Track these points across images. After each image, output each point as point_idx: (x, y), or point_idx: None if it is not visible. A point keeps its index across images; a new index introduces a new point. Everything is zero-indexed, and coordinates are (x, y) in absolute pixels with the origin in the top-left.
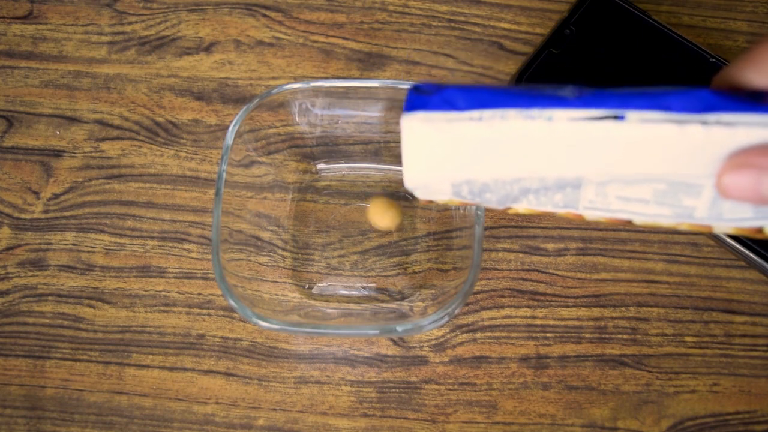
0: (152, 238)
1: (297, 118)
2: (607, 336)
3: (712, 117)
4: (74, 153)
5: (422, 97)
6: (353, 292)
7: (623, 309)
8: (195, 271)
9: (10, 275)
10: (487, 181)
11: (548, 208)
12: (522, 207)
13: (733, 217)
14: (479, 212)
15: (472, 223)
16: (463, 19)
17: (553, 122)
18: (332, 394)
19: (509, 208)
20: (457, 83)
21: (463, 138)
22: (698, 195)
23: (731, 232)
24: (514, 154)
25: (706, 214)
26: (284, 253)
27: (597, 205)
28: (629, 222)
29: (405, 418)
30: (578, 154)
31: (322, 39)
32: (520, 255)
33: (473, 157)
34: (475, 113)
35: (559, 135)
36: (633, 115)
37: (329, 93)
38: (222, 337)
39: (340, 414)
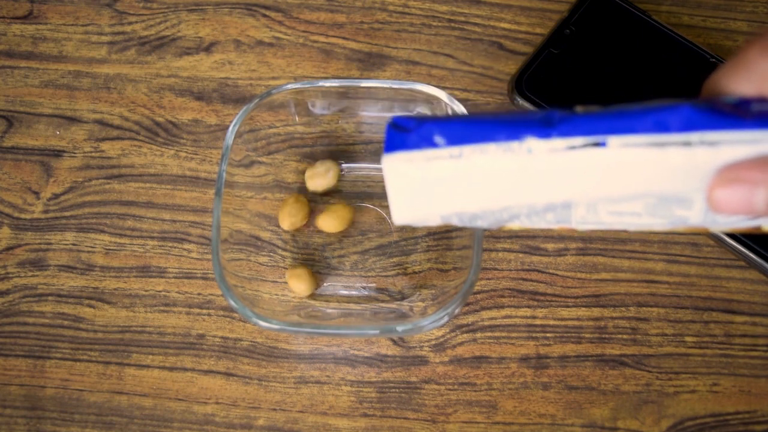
0: (152, 238)
1: (297, 118)
2: (607, 336)
3: (695, 136)
4: (74, 153)
5: (401, 135)
6: (353, 292)
7: (623, 309)
8: (195, 271)
9: (10, 275)
10: (476, 212)
11: (541, 225)
12: (515, 225)
13: (728, 221)
14: None
15: None
16: (463, 19)
17: (534, 154)
18: (332, 394)
19: (503, 227)
20: (434, 116)
21: (445, 175)
22: (690, 206)
23: (729, 231)
24: (498, 187)
25: (700, 220)
26: (284, 253)
27: (589, 220)
28: (624, 231)
29: (405, 418)
30: (563, 181)
31: (322, 39)
32: (520, 255)
33: (457, 192)
34: (454, 150)
35: (542, 166)
36: (614, 141)
37: (329, 93)
38: (222, 337)
39: (340, 414)
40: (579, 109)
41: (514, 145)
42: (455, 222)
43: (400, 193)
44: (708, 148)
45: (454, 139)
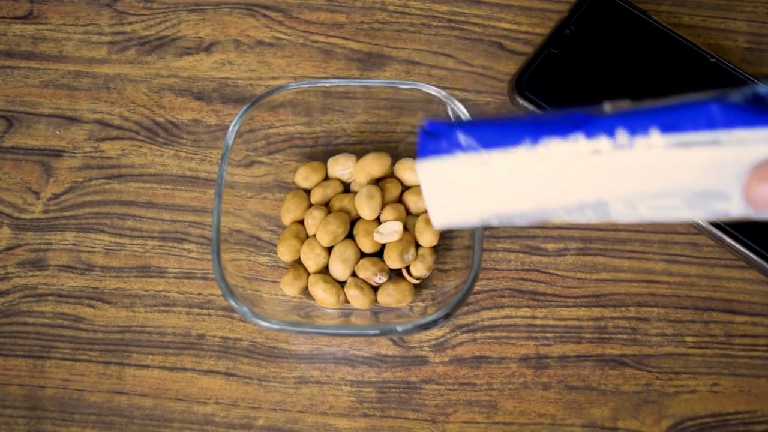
0: (152, 238)
1: (297, 118)
2: (607, 336)
3: (724, 135)
4: (74, 153)
5: (433, 142)
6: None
7: (623, 309)
8: (195, 271)
9: (10, 275)
10: (511, 213)
11: (582, 220)
12: (556, 221)
13: None
14: None
15: None
16: (463, 19)
17: (561, 159)
18: (332, 394)
19: (544, 223)
20: (465, 120)
21: (477, 181)
22: (728, 200)
23: None
24: (530, 190)
25: (742, 211)
26: None
27: (629, 215)
28: (668, 222)
29: (405, 418)
30: (593, 183)
31: (322, 39)
32: (520, 255)
33: (491, 196)
34: (484, 156)
35: (571, 169)
36: (640, 142)
37: (329, 93)
38: (222, 337)
39: (340, 414)
40: (607, 107)
41: (541, 149)
42: (494, 223)
43: (437, 197)
44: (737, 147)
45: (484, 144)
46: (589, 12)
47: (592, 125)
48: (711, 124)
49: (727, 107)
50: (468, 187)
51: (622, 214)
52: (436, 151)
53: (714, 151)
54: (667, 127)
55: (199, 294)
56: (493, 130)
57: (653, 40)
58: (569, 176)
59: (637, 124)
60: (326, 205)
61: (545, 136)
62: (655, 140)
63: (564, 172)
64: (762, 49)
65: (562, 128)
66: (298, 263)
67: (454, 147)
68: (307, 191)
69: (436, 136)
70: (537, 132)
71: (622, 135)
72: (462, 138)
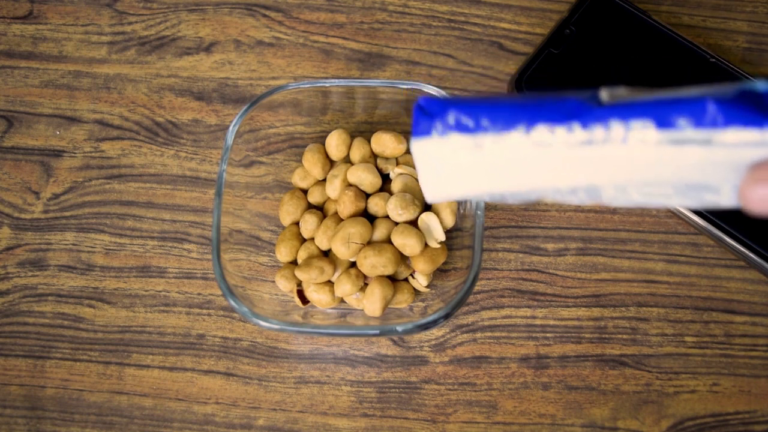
0: (152, 238)
1: (297, 118)
2: (607, 336)
3: (717, 135)
4: (74, 153)
5: (427, 120)
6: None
7: (623, 309)
8: (195, 271)
9: (10, 275)
10: (504, 192)
11: (574, 201)
12: (548, 200)
13: None
14: (479, 212)
15: (472, 223)
16: (463, 19)
17: (556, 146)
18: (332, 394)
19: (536, 202)
20: (460, 98)
21: (471, 161)
22: (718, 192)
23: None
24: (523, 173)
25: (732, 203)
26: None
27: (620, 198)
28: (660, 207)
29: (405, 418)
30: (586, 170)
31: (322, 39)
32: (520, 255)
33: (484, 176)
34: (478, 138)
35: (565, 156)
36: (634, 136)
37: (329, 93)
38: (222, 337)
39: (340, 414)
40: (604, 95)
41: (536, 135)
42: (486, 199)
43: (430, 174)
44: (730, 147)
45: (478, 127)
46: (589, 12)
47: (588, 116)
48: (705, 122)
49: (723, 105)
50: (461, 167)
51: (613, 197)
52: (430, 131)
53: (706, 150)
54: (662, 123)
55: (199, 294)
56: (488, 112)
57: (653, 40)
58: (563, 162)
59: (632, 118)
60: (323, 205)
61: (541, 122)
62: (650, 136)
63: (558, 159)
64: (762, 49)
65: (559, 116)
66: (296, 264)
67: (447, 128)
68: (305, 191)
69: (430, 115)
70: (533, 117)
71: (617, 128)
72: (455, 118)
